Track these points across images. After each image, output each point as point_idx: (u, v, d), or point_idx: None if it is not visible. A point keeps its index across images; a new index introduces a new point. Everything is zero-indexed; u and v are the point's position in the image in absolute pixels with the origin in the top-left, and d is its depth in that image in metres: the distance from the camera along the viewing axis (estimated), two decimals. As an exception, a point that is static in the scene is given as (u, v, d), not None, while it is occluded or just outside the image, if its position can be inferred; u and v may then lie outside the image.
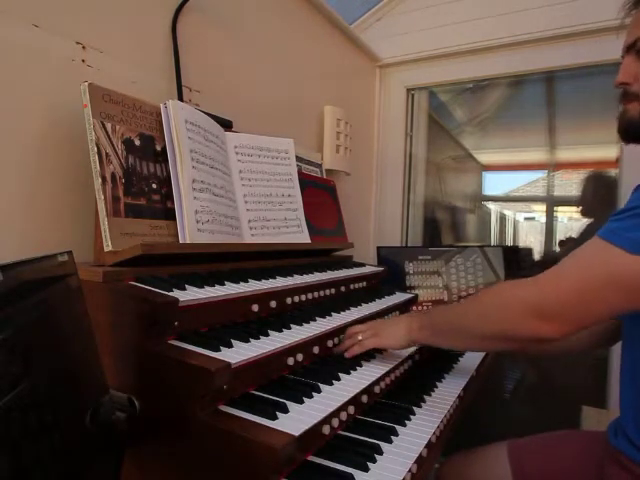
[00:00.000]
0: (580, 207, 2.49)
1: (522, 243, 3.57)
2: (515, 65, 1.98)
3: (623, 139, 0.89)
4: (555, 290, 0.73)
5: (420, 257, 1.85)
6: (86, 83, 0.81)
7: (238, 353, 0.69)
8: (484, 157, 3.27)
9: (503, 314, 0.78)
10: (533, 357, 2.16)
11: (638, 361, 0.84)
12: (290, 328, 0.85)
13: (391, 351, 1.01)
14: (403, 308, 1.36)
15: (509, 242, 3.56)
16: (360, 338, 0.95)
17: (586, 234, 2.28)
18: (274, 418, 0.63)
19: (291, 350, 0.81)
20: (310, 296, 1.04)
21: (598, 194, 2.33)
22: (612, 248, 0.70)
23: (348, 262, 1.45)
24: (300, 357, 0.83)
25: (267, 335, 0.79)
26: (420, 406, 0.90)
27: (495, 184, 3.49)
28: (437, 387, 1.02)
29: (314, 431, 0.65)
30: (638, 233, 0.68)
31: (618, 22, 0.89)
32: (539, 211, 3.25)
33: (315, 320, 0.94)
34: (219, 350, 0.68)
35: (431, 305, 1.81)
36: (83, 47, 0.93)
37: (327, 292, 1.11)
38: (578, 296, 0.71)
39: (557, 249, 2.62)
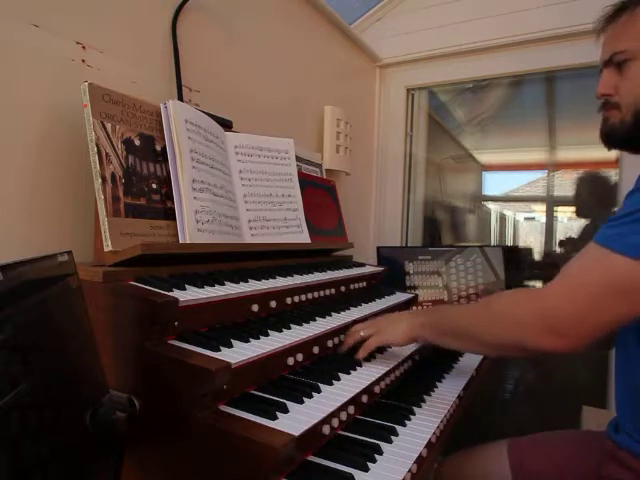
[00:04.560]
0: (575, 208, 2.50)
1: (522, 243, 3.56)
2: (515, 65, 1.98)
3: (606, 145, 0.93)
4: (560, 303, 0.72)
5: (420, 257, 1.85)
6: (86, 83, 0.81)
7: (238, 353, 0.69)
8: (484, 157, 3.26)
9: (513, 326, 0.77)
10: (535, 357, 2.16)
11: (631, 360, 0.85)
12: (290, 328, 0.85)
13: (391, 350, 1.01)
14: (403, 308, 1.36)
15: (509, 242, 3.56)
16: (362, 334, 0.95)
17: (585, 234, 2.29)
18: (274, 418, 0.63)
19: (291, 350, 0.81)
20: (310, 296, 1.04)
21: (592, 194, 2.34)
22: (612, 255, 0.69)
23: (348, 262, 1.45)
24: (300, 357, 0.83)
25: (267, 335, 0.79)
26: (420, 406, 0.90)
27: (495, 184, 3.48)
28: (437, 387, 1.02)
29: (314, 431, 0.65)
30: (639, 238, 0.68)
31: (596, 31, 0.92)
32: (539, 211, 3.25)
33: (315, 320, 0.94)
34: (219, 350, 0.68)
35: (431, 305, 1.81)
36: (83, 47, 0.93)
37: (327, 292, 1.11)
38: (584, 308, 0.71)
39: (557, 249, 2.63)
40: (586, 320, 0.71)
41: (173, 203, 0.91)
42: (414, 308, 1.51)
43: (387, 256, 1.84)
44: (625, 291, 0.69)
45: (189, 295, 0.74)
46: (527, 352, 0.78)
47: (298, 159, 1.38)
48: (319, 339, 0.89)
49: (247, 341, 0.74)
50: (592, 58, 1.74)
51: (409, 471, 0.67)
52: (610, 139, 0.91)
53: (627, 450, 0.85)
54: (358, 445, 0.72)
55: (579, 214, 2.47)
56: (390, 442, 0.74)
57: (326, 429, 0.69)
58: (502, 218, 3.54)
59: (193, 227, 0.91)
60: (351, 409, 0.77)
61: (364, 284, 1.35)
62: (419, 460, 0.71)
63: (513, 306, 0.79)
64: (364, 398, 0.83)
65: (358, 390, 0.79)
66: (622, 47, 0.84)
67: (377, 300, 1.24)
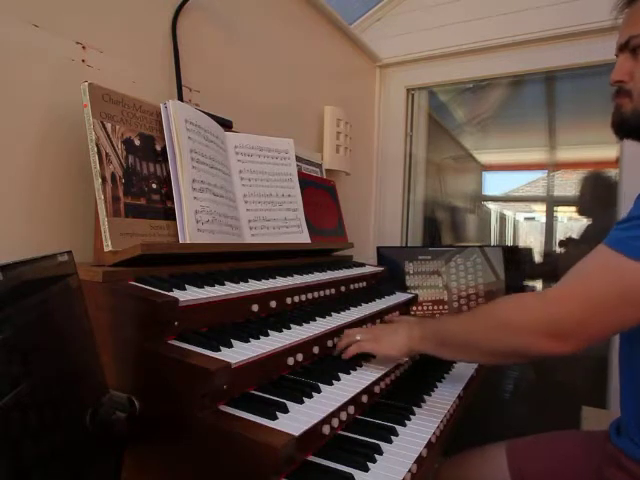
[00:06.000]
0: (577, 207, 2.51)
1: (522, 243, 3.56)
2: (515, 65, 1.98)
3: (617, 134, 0.90)
4: (567, 308, 0.71)
5: (420, 257, 1.85)
6: (86, 83, 0.81)
7: (238, 353, 0.69)
8: (484, 157, 3.26)
9: (515, 333, 0.76)
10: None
11: (636, 360, 0.84)
12: (290, 328, 0.85)
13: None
14: (403, 308, 1.36)
15: (509, 242, 3.56)
16: (358, 338, 0.94)
17: (587, 234, 2.29)
18: (274, 418, 0.63)
19: (291, 350, 0.81)
20: (310, 296, 1.04)
21: (595, 194, 2.34)
22: (622, 258, 0.68)
23: (348, 262, 1.45)
24: (300, 357, 0.83)
25: (267, 335, 0.79)
26: (420, 406, 0.90)
27: (495, 184, 3.48)
28: (437, 387, 1.02)
29: (314, 431, 0.65)
30: None
31: (610, 23, 0.90)
32: (539, 211, 3.25)
33: (315, 320, 0.94)
34: (219, 350, 0.68)
35: (431, 305, 1.82)
36: (83, 47, 0.93)
37: (327, 292, 1.11)
38: (591, 312, 0.70)
39: (557, 249, 2.63)
40: (591, 324, 0.70)
41: (173, 203, 0.91)
42: (414, 308, 1.51)
43: (387, 256, 1.84)
44: (634, 296, 0.68)
45: (189, 295, 0.74)
46: (528, 358, 0.78)
47: (298, 159, 1.38)
48: (319, 339, 0.89)
49: (247, 341, 0.74)
50: (592, 58, 1.77)
51: (409, 471, 0.67)
52: (622, 129, 0.88)
53: (628, 454, 0.84)
54: (358, 445, 0.72)
55: (582, 213, 2.47)
56: (390, 442, 0.74)
57: (326, 429, 0.69)
58: (502, 218, 3.54)
59: (193, 227, 0.91)
60: (351, 409, 0.77)
61: (364, 284, 1.35)
62: (419, 460, 0.71)
63: (518, 311, 0.78)
64: (364, 398, 0.83)
65: (358, 390, 0.79)
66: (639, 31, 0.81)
67: (377, 300, 1.24)
